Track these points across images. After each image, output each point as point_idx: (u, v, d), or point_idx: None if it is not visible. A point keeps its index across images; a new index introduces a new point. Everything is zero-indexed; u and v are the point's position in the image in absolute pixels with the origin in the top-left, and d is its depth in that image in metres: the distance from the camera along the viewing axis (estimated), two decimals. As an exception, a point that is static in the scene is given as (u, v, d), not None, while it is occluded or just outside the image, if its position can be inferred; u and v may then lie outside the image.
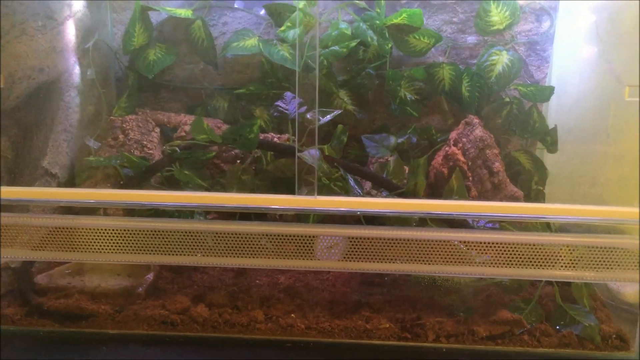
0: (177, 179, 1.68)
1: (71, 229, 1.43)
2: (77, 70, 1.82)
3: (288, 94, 1.71)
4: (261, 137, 1.83)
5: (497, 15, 1.90)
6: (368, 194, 1.62)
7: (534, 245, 1.39)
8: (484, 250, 1.40)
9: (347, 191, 1.53)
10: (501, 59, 1.90)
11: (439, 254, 1.38)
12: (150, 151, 1.88)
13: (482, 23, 1.92)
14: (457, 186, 1.59)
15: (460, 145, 1.81)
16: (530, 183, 1.91)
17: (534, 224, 1.46)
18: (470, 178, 1.78)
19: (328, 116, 1.65)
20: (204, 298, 1.55)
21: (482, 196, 1.78)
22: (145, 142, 1.90)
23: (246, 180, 1.60)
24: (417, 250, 1.38)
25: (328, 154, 1.64)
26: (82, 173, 1.78)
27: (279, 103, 1.69)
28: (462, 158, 1.78)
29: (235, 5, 2.05)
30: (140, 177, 1.72)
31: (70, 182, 1.76)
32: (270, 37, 2.03)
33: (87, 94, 1.89)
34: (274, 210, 1.39)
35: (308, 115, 1.65)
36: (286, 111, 1.66)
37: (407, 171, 1.69)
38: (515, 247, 1.40)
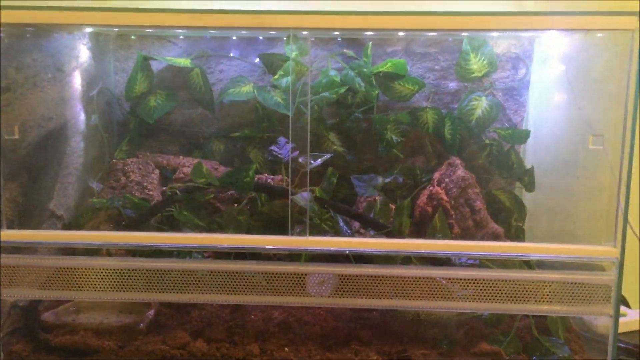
0: (177, 219, 1.78)
1: (74, 269, 1.52)
2: (82, 117, 1.93)
3: (281, 138, 1.82)
4: (256, 179, 1.95)
5: (476, 64, 2.02)
6: (357, 232, 1.72)
7: (512, 281, 1.50)
8: (465, 286, 1.50)
9: (337, 231, 1.64)
10: (481, 104, 2.01)
11: (423, 290, 1.48)
12: (150, 192, 1.98)
13: (462, 71, 2.03)
14: (440, 225, 1.69)
15: (444, 185, 1.90)
16: (510, 220, 2.00)
17: (513, 261, 1.57)
18: (453, 216, 1.86)
19: (319, 160, 1.76)
20: (202, 333, 1.64)
21: (464, 233, 1.87)
22: (145, 184, 2.00)
23: (242, 220, 1.70)
24: (403, 287, 1.49)
25: (319, 196, 1.75)
26: (85, 214, 1.87)
27: (273, 148, 1.81)
28: (445, 197, 1.87)
29: (232, 54, 2.17)
30: (141, 218, 1.82)
31: (75, 223, 1.85)
32: (264, 83, 2.14)
33: (91, 138, 1.99)
34: (268, 250, 1.50)
35: (300, 160, 1.76)
36: (280, 155, 1.78)
37: (393, 210, 1.79)
38: (494, 283, 1.50)
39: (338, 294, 1.50)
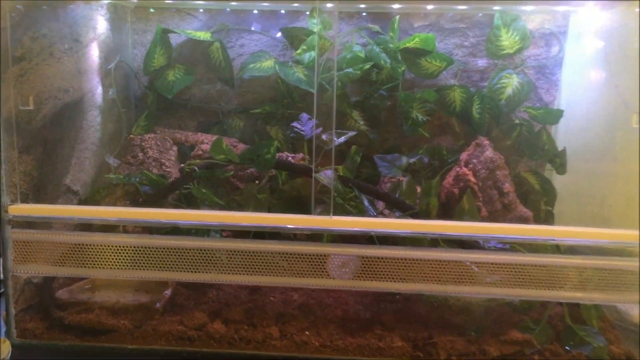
0: (194, 196, 1.72)
1: (89, 245, 1.47)
2: (99, 90, 1.88)
3: (304, 115, 1.76)
4: (277, 157, 1.89)
5: (507, 40, 1.94)
6: (381, 214, 1.66)
7: (543, 266, 1.42)
8: (495, 270, 1.43)
9: (361, 211, 1.57)
10: (511, 82, 1.95)
11: (451, 274, 1.41)
12: (168, 169, 1.93)
13: (492, 47, 1.96)
14: (468, 207, 1.62)
15: (471, 166, 1.83)
16: (539, 203, 1.94)
17: (544, 245, 1.49)
18: (481, 198, 1.81)
19: (343, 137, 1.70)
20: (220, 314, 1.59)
21: (492, 216, 1.81)
22: (163, 160, 1.95)
23: (262, 199, 1.64)
24: (429, 270, 1.42)
25: (342, 174, 1.68)
26: (102, 190, 1.82)
27: (295, 124, 1.74)
28: (472, 179, 1.81)
29: (253, 28, 2.10)
30: (159, 195, 1.77)
31: (92, 199, 1.81)
32: (286, 59, 2.08)
33: (108, 113, 1.94)
34: (290, 230, 1.43)
35: (323, 137, 1.70)
36: (302, 132, 1.71)
37: (419, 191, 1.72)
38: (525, 268, 1.43)
39: (361, 277, 1.43)
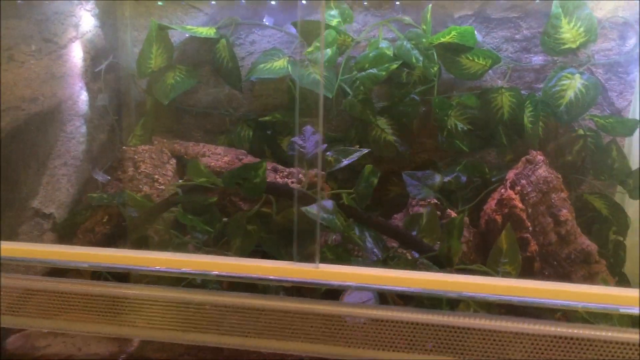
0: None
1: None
2: (83, 96, 1.66)
3: (308, 128, 1.46)
4: (283, 174, 1.61)
5: (569, 32, 1.64)
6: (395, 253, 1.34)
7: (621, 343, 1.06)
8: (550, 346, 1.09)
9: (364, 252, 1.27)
10: (573, 84, 1.65)
11: (477, 346, 1.08)
12: (161, 186, 1.69)
13: (550, 41, 1.67)
14: (507, 247, 1.29)
15: (519, 187, 1.55)
16: (607, 233, 1.65)
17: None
18: (530, 228, 1.51)
19: (352, 157, 1.39)
20: None
21: (544, 250, 1.52)
22: (157, 176, 1.71)
23: (252, 231, 1.37)
24: (448, 339, 1.09)
25: (348, 204, 1.38)
26: (84, 212, 1.61)
27: (295, 139, 1.45)
28: (520, 204, 1.52)
29: (265, 22, 1.83)
30: (143, 219, 1.53)
31: (70, 222, 1.60)
32: (303, 57, 1.80)
33: (97, 122, 1.73)
34: (265, 281, 1.14)
35: (329, 154, 1.40)
36: (302, 149, 1.42)
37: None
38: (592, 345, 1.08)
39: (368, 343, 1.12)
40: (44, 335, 1.44)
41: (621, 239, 1.64)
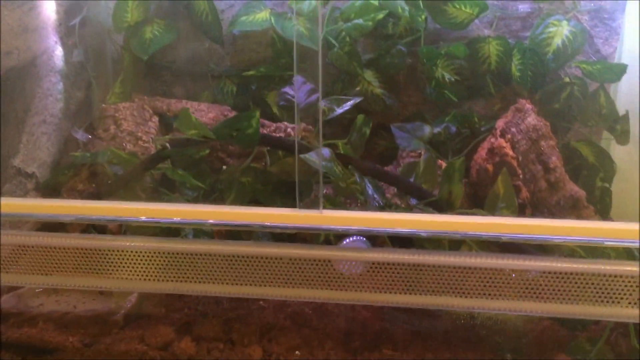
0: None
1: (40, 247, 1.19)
2: (58, 51, 1.59)
3: (298, 78, 1.43)
4: (273, 128, 1.58)
5: None
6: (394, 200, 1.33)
7: (613, 276, 1.08)
8: (542, 280, 1.10)
9: (364, 200, 1.26)
10: (560, 31, 1.64)
11: (479, 284, 1.09)
12: (145, 144, 1.65)
13: None
14: (503, 191, 1.29)
15: (509, 136, 1.54)
16: (594, 180, 1.66)
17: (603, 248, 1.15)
18: (521, 176, 1.52)
19: (345, 105, 1.37)
20: (191, 328, 1.30)
21: (535, 197, 1.53)
22: (140, 134, 1.66)
23: (246, 183, 1.34)
24: (449, 280, 1.09)
25: (343, 153, 1.36)
26: (67, 171, 1.56)
27: (286, 89, 1.42)
28: (510, 152, 1.52)
29: (246, -30, 1.78)
30: (130, 176, 1.49)
31: (53, 181, 1.55)
32: (284, 9, 1.76)
33: (74, 78, 1.67)
34: (267, 228, 1.12)
35: (323, 104, 1.37)
36: (293, 99, 1.39)
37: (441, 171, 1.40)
38: (584, 279, 1.09)
39: (363, 286, 1.12)
40: (37, 294, 1.40)
41: (607, 185, 1.66)
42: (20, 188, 1.46)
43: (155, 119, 1.73)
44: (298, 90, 1.38)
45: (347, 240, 1.20)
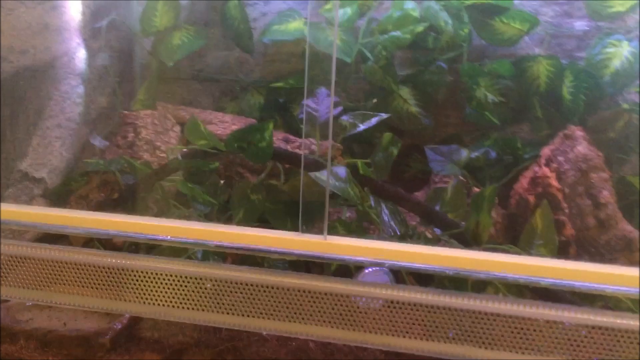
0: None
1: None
2: (81, 54, 1.55)
3: (322, 90, 1.33)
4: (294, 145, 1.48)
5: None
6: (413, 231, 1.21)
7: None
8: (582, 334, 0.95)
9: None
10: (620, 52, 1.54)
11: (505, 334, 0.94)
12: (162, 154, 1.58)
13: (595, 4, 1.55)
14: (542, 226, 1.16)
15: (555, 165, 1.45)
16: None
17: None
18: (567, 210, 1.40)
19: (369, 122, 1.26)
20: (181, 357, 1.20)
21: (581, 235, 1.40)
22: (159, 143, 1.60)
23: (256, 201, 1.24)
24: (473, 326, 0.95)
25: (362, 173, 1.24)
26: (79, 178, 1.50)
27: (307, 102, 1.33)
28: (555, 183, 1.42)
29: (281, -22, 1.72)
30: (139, 187, 1.42)
31: (64, 188, 1.49)
32: (320, 19, 1.67)
33: (97, 83, 1.62)
34: (263, 252, 1.01)
35: (344, 118, 1.26)
36: (315, 112, 1.28)
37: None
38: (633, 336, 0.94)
39: (372, 327, 0.99)
40: (28, 307, 1.33)
41: (667, 226, 1.51)
42: (25, 193, 1.41)
43: (177, 128, 1.67)
44: (321, 103, 1.27)
45: (368, 270, 1.09)
